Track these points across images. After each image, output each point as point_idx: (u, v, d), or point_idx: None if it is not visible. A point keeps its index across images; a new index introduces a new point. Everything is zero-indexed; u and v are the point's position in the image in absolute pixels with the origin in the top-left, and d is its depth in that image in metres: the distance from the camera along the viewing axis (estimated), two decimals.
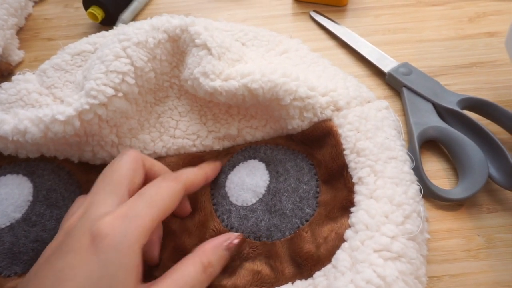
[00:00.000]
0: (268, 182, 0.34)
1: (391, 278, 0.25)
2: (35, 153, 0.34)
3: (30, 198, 0.33)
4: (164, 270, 0.27)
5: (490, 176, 0.33)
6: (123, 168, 0.28)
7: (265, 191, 0.33)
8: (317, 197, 0.33)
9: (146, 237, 0.25)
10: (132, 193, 0.27)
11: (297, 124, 0.34)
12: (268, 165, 0.35)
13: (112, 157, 0.35)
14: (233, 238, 0.30)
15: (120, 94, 0.33)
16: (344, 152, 0.33)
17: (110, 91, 0.32)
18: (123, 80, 0.33)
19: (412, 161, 0.32)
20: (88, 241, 0.24)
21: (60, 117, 0.31)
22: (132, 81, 0.33)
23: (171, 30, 0.35)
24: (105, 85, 0.32)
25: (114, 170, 0.28)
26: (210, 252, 0.29)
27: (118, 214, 0.25)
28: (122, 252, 0.23)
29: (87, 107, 0.31)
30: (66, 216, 0.30)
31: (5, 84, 0.38)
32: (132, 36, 0.34)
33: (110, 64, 0.32)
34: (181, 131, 0.36)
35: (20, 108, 0.36)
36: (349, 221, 0.30)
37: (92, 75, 0.32)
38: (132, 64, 0.33)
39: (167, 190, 0.28)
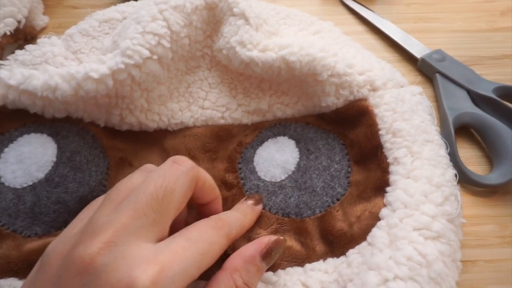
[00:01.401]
0: (298, 159, 0.33)
1: (432, 257, 0.25)
2: (62, 113, 0.33)
3: (54, 158, 0.32)
4: None
5: None
6: (177, 191, 0.23)
7: (295, 168, 0.32)
8: (348, 177, 0.32)
9: None
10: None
11: (332, 101, 0.34)
12: (298, 143, 0.34)
13: (140, 123, 0.34)
14: (267, 242, 0.26)
15: (155, 57, 0.32)
16: (380, 132, 0.32)
17: (146, 53, 0.31)
18: (159, 43, 0.32)
19: (447, 147, 0.32)
20: None
21: (94, 75, 0.30)
22: (167, 45, 0.32)
23: None
24: (141, 45, 0.31)
25: (166, 191, 0.22)
26: (244, 269, 0.24)
27: (162, 267, 0.20)
28: None
29: (122, 66, 0.30)
30: (78, 219, 0.26)
31: (30, 46, 0.37)
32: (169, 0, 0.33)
33: (147, 25, 0.31)
34: (210, 102, 0.36)
35: None
36: (384, 200, 0.29)
37: (128, 35, 0.31)
38: (168, 27, 0.32)
39: (219, 247, 0.24)
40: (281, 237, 0.27)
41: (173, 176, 0.23)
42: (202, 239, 0.23)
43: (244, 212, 0.29)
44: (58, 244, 0.22)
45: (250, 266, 0.25)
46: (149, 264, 0.20)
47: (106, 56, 0.32)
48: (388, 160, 0.31)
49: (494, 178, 0.32)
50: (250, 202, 0.30)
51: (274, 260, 0.26)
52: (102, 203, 0.24)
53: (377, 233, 0.27)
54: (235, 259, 0.25)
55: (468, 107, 0.36)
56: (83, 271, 0.20)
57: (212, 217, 0.25)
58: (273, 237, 0.27)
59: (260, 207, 0.30)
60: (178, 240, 0.22)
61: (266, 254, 0.26)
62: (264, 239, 0.26)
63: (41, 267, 0.22)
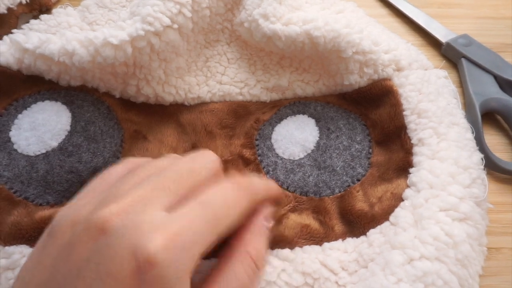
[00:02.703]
0: (318, 138, 0.32)
1: (460, 238, 0.24)
2: (78, 81, 0.32)
3: (68, 127, 0.31)
4: None
5: None
6: (203, 175, 0.23)
7: (314, 147, 0.32)
8: (369, 158, 0.31)
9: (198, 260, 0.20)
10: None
11: (355, 80, 0.33)
12: (318, 121, 0.33)
13: (156, 96, 0.33)
14: (267, 212, 0.25)
15: (176, 26, 0.31)
16: (404, 113, 0.31)
17: (167, 21, 0.30)
18: (180, 11, 0.31)
19: (473, 132, 0.31)
20: (131, 266, 0.18)
21: (113, 41, 0.29)
22: (189, 14, 0.31)
23: None
24: (162, 12, 0.30)
25: (193, 172, 0.22)
26: (255, 245, 0.23)
27: (172, 234, 0.19)
28: (171, 284, 0.19)
29: (142, 33, 0.29)
30: (89, 189, 0.24)
31: (45, 16, 0.37)
32: None
33: None
34: (229, 77, 0.35)
35: None
36: (408, 181, 0.28)
37: (150, 1, 0.30)
38: None
39: (239, 206, 0.22)
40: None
41: (201, 161, 0.23)
42: (218, 201, 0.21)
43: (269, 181, 0.29)
44: (69, 212, 0.22)
45: (260, 238, 0.24)
46: (160, 231, 0.19)
47: (126, 22, 0.31)
48: (412, 141, 0.30)
49: None
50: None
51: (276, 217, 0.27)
52: (126, 176, 0.23)
53: (401, 213, 0.27)
54: (244, 237, 0.23)
55: (495, 92, 0.35)
56: (95, 237, 0.19)
57: (234, 179, 0.24)
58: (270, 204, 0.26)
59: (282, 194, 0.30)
60: (191, 204, 0.21)
61: (269, 219, 0.25)
62: (265, 209, 0.25)
63: (51, 234, 0.21)
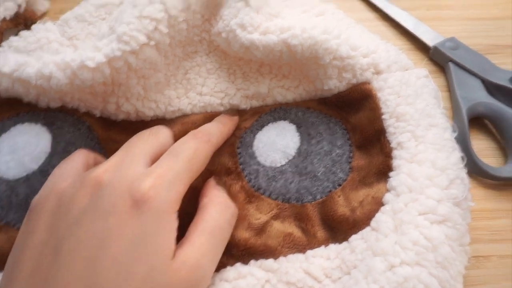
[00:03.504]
0: (299, 144, 0.32)
1: (438, 241, 0.24)
2: (57, 102, 0.32)
3: (49, 149, 0.31)
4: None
5: None
6: (166, 135, 0.29)
7: (296, 153, 0.32)
8: (350, 162, 0.31)
9: (181, 200, 0.25)
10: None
11: (334, 84, 0.33)
12: (299, 127, 0.33)
13: (137, 112, 0.33)
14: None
15: (152, 43, 0.30)
16: (383, 117, 0.31)
17: (143, 39, 0.30)
18: (156, 28, 0.30)
19: (455, 130, 0.30)
20: (128, 203, 0.23)
21: (90, 64, 0.29)
22: (165, 30, 0.31)
23: None
24: (138, 30, 0.30)
25: (158, 136, 0.28)
26: (216, 189, 0.29)
27: (158, 176, 0.24)
28: (163, 216, 0.23)
29: (119, 53, 0.29)
30: (60, 169, 0.28)
31: (24, 32, 0.36)
32: None
33: (144, 9, 0.30)
34: (209, 88, 0.35)
35: None
36: (387, 185, 0.28)
37: (125, 19, 0.30)
38: (166, 11, 0.31)
39: (203, 152, 0.28)
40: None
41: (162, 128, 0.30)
42: (185, 149, 0.27)
43: (222, 122, 0.32)
44: (45, 191, 0.26)
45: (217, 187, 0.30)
46: (147, 176, 0.24)
47: (102, 41, 0.30)
48: (391, 145, 0.30)
49: (509, 170, 0.31)
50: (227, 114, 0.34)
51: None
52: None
53: (382, 218, 0.27)
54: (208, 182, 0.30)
55: (482, 96, 0.34)
56: (90, 192, 0.24)
57: (191, 131, 0.30)
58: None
59: (237, 117, 0.34)
60: (166, 156, 0.26)
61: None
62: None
63: (35, 209, 0.25)
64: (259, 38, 0.31)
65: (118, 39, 0.30)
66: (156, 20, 0.30)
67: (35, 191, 0.28)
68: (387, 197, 0.28)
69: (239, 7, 0.32)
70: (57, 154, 0.30)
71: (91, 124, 0.33)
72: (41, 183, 0.29)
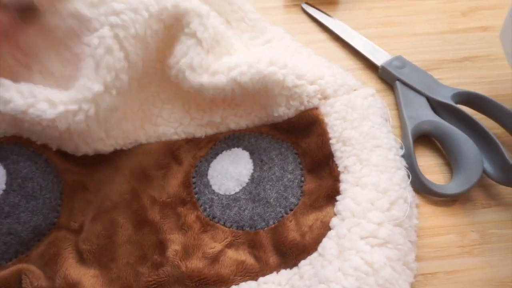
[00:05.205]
0: (252, 171, 0.33)
1: (379, 264, 0.25)
2: (12, 128, 0.31)
3: (3, 186, 0.30)
4: None
5: (484, 171, 0.32)
6: None
7: (249, 180, 0.32)
8: (301, 186, 0.32)
9: None
10: None
11: (283, 111, 0.34)
12: (252, 154, 0.34)
13: (96, 151, 0.33)
14: None
15: (114, 92, 0.30)
16: (330, 141, 0.32)
17: (101, 89, 0.29)
18: (116, 78, 0.30)
19: (402, 148, 0.32)
20: None
21: (43, 119, 0.29)
22: (126, 78, 0.31)
23: (167, 16, 0.32)
24: (97, 82, 0.29)
25: None
26: None
27: None
28: None
29: (75, 107, 0.29)
30: None
31: None
32: (128, 25, 0.30)
33: (101, 60, 0.29)
34: (163, 118, 0.35)
35: None
36: (335, 209, 0.29)
37: (82, 71, 0.30)
38: (126, 58, 0.30)
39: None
40: None
41: None
42: None
43: None
44: None
45: None
46: None
47: (59, 96, 0.30)
48: (339, 169, 0.31)
49: (453, 187, 0.32)
50: None
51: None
52: None
53: (327, 244, 0.27)
54: None
55: (427, 115, 0.35)
56: None
57: None
58: None
59: None
60: None
61: None
62: None
63: None
64: (209, 80, 0.32)
65: (77, 91, 0.29)
66: (115, 71, 0.30)
67: None
68: (334, 221, 0.28)
69: (190, 45, 0.32)
70: (13, 191, 0.30)
71: (48, 157, 0.32)
72: None
